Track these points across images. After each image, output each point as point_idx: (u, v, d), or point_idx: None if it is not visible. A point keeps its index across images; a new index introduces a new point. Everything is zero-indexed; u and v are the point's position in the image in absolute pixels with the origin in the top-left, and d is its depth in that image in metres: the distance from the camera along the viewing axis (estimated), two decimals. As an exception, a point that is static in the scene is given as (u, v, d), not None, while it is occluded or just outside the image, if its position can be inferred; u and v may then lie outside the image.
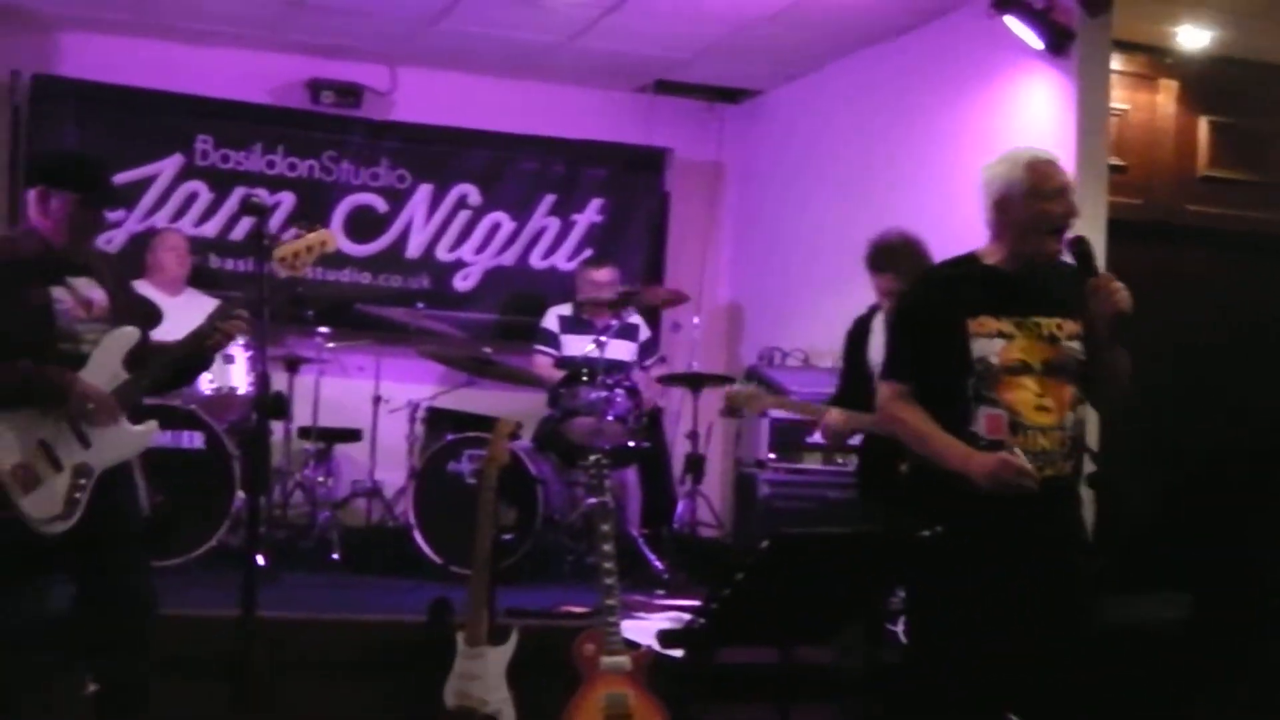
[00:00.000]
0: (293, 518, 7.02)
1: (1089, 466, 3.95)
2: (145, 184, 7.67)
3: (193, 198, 7.78)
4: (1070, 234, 3.62)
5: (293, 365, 6.87)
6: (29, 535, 3.61)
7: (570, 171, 8.41)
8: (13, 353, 3.62)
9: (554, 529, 6.50)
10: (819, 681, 4.62)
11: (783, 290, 8.16)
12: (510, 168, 8.32)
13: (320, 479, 7.06)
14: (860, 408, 4.77)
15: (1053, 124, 6.06)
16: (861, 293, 5.20)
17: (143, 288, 6.14)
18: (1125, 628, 4.82)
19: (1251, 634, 5.42)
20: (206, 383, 6.21)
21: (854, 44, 7.37)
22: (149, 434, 3.88)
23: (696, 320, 7.94)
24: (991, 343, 3.53)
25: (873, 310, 5.10)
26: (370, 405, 7.16)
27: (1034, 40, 6.07)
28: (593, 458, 4.87)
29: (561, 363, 7.16)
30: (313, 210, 7.60)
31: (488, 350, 6.85)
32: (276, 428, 6.80)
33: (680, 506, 7.07)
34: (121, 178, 7.22)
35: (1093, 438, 4.67)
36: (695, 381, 7.13)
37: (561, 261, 8.34)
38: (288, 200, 7.88)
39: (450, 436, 6.55)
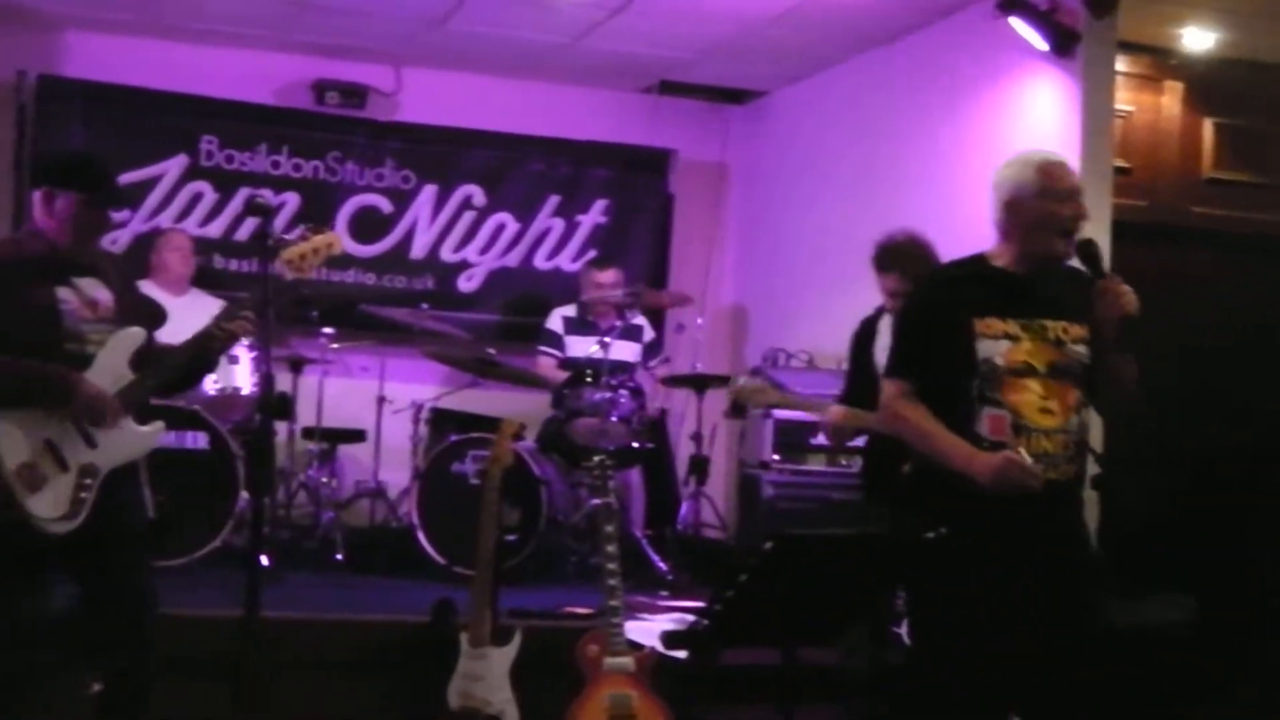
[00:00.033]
0: (296, 518, 7.02)
1: (1093, 468, 3.95)
2: (150, 184, 7.69)
3: (197, 198, 7.79)
4: (1078, 237, 3.61)
5: (297, 366, 6.87)
6: (34, 534, 3.61)
7: (575, 172, 8.41)
8: (18, 353, 3.63)
9: (558, 530, 6.50)
10: (823, 683, 4.62)
11: (787, 291, 8.16)
12: (515, 168, 8.32)
13: (324, 479, 7.06)
14: (866, 409, 4.77)
15: (1057, 125, 6.06)
16: (866, 294, 5.20)
17: (147, 288, 6.15)
18: (1130, 630, 4.82)
19: (1255, 635, 5.43)
20: (211, 383, 6.20)
21: (859, 45, 7.37)
22: (156, 435, 3.88)
23: (700, 321, 7.95)
24: (997, 344, 3.52)
25: (879, 312, 5.10)
26: (374, 406, 7.16)
27: (1039, 41, 6.07)
28: (596, 459, 4.86)
29: (565, 364, 7.16)
30: (317, 211, 7.61)
31: (492, 351, 6.85)
32: (280, 428, 6.82)
33: (684, 508, 7.06)
34: (126, 178, 7.24)
35: (1097, 440, 4.66)
36: (699, 383, 7.13)
37: (566, 262, 8.35)
38: (292, 201, 7.89)
39: (454, 437, 6.55)
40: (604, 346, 6.61)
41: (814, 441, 6.52)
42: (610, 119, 8.49)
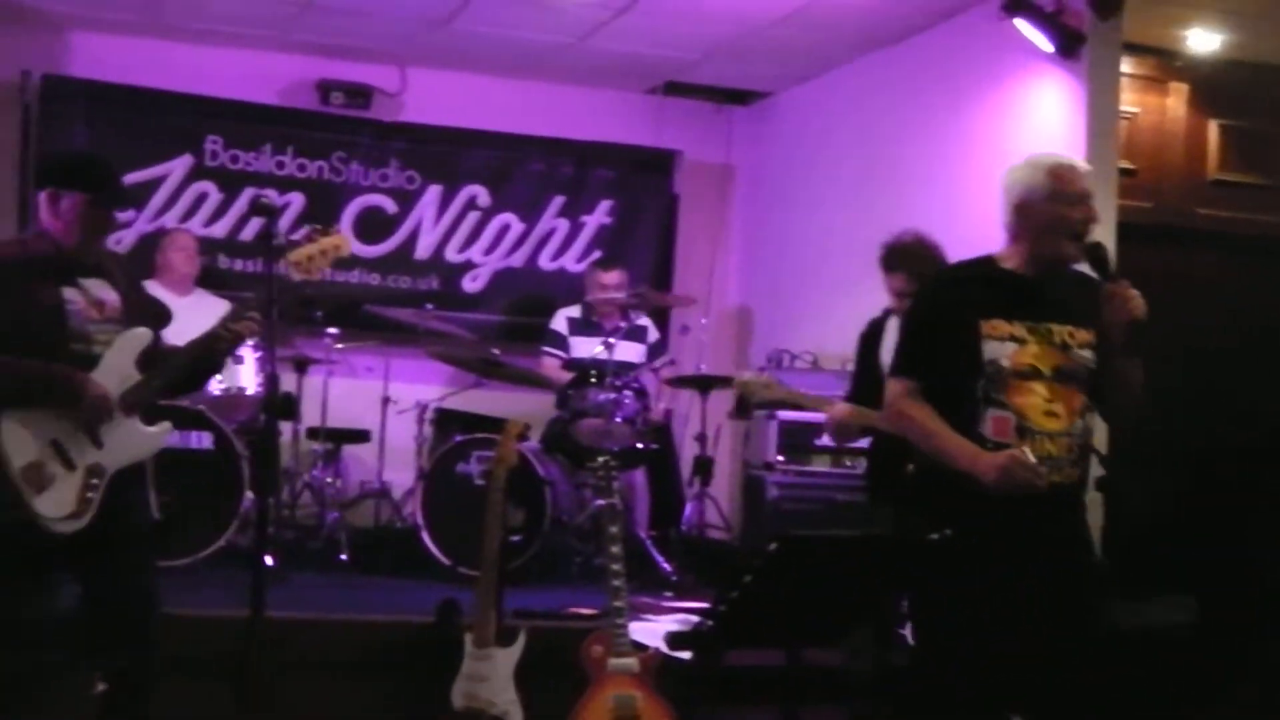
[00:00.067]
0: (301, 518, 7.02)
1: (1097, 470, 3.95)
2: (155, 184, 7.69)
3: (202, 198, 7.80)
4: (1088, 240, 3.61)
5: (301, 366, 6.87)
6: (40, 534, 3.61)
7: (579, 173, 8.42)
8: (25, 353, 3.63)
9: (562, 530, 6.50)
10: (827, 684, 4.60)
11: (792, 292, 8.16)
12: (519, 169, 8.33)
13: (329, 479, 7.07)
14: (872, 409, 4.77)
15: (1063, 127, 6.06)
16: (871, 295, 5.19)
17: (152, 288, 6.13)
18: (1133, 632, 4.82)
19: (1258, 636, 5.42)
20: (215, 383, 6.21)
21: (864, 46, 7.37)
22: (162, 435, 3.89)
23: (705, 322, 7.94)
24: (1003, 346, 3.52)
25: (886, 313, 5.09)
26: (379, 406, 7.15)
27: (1044, 43, 6.06)
28: (601, 459, 4.86)
29: (570, 364, 7.17)
30: (322, 211, 7.61)
31: (496, 351, 6.85)
32: (285, 428, 6.82)
33: (688, 508, 7.06)
34: (131, 178, 7.24)
35: (1101, 441, 4.65)
36: (704, 384, 7.12)
37: (570, 263, 8.35)
38: (297, 201, 7.90)
39: (458, 438, 6.56)
40: (608, 347, 6.60)
41: (818, 443, 6.52)
42: (615, 120, 8.49)
